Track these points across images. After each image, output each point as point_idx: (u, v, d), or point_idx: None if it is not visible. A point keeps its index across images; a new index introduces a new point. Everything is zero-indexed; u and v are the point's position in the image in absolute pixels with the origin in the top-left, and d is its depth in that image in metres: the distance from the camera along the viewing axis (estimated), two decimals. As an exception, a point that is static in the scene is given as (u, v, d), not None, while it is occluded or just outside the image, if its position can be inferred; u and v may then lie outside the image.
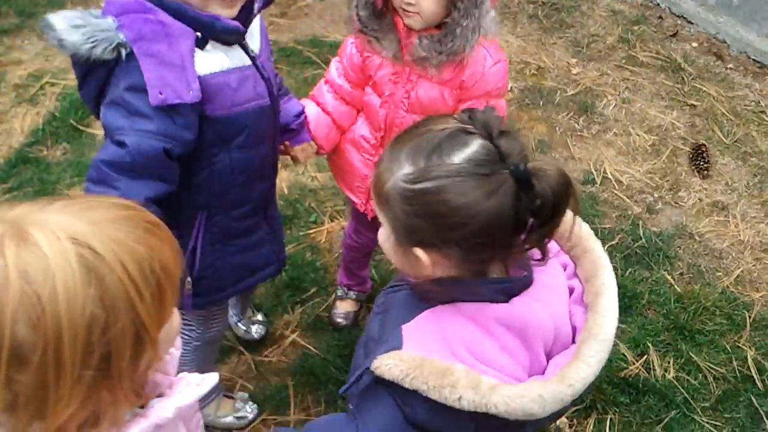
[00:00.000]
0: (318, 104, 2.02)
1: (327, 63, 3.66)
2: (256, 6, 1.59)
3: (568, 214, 1.11)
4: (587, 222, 2.87)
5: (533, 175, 1.02)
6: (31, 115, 3.17)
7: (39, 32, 3.67)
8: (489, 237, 1.05)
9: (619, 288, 2.84)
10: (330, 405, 2.28)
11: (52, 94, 3.28)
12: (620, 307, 2.84)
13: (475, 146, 1.04)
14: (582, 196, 3.11)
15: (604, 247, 3.06)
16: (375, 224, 1.49)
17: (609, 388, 2.43)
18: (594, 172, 3.26)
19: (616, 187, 3.21)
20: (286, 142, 1.94)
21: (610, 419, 2.35)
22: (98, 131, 3.13)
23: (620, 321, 2.64)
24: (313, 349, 2.42)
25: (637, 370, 2.50)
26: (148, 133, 1.45)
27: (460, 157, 1.03)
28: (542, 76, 3.82)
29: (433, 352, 1.06)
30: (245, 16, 1.56)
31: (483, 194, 1.02)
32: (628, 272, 2.82)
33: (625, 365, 2.51)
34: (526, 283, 1.13)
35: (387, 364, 1.05)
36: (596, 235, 2.73)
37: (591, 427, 2.32)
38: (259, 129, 1.65)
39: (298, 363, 2.37)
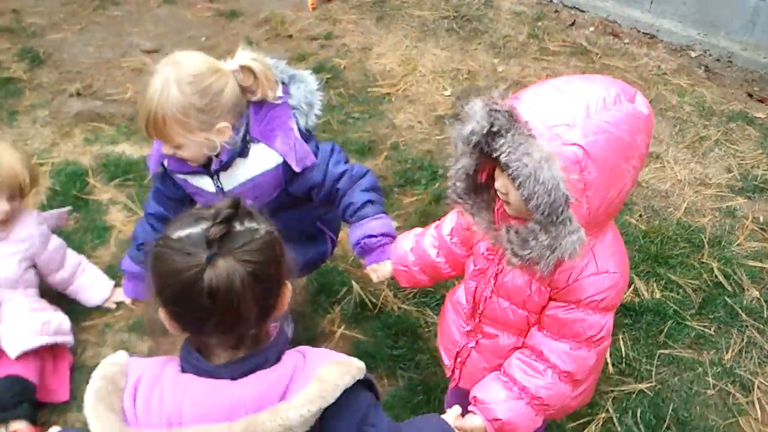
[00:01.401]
0: (415, 241, 2.00)
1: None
2: (214, 163, 2.02)
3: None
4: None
5: (210, 268, 1.16)
6: (31, 195, 3.34)
7: (7, 121, 3.84)
8: (181, 309, 1.23)
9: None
10: (391, 377, 2.59)
11: (45, 172, 3.46)
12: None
13: (195, 229, 1.20)
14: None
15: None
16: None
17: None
18: (544, 149, 3.72)
19: (566, 157, 3.67)
20: (362, 261, 2.11)
21: (621, 338, 2.76)
22: (101, 197, 3.35)
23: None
24: (362, 336, 2.73)
25: (630, 297, 2.93)
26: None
27: (176, 233, 1.21)
28: (474, 79, 4.28)
29: (131, 374, 1.30)
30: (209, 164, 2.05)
31: (180, 269, 1.18)
32: (597, 223, 3.27)
33: (619, 296, 2.94)
34: (209, 372, 1.25)
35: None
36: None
37: (609, 348, 2.72)
38: None
39: (353, 349, 2.68)
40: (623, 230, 3.23)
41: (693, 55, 4.51)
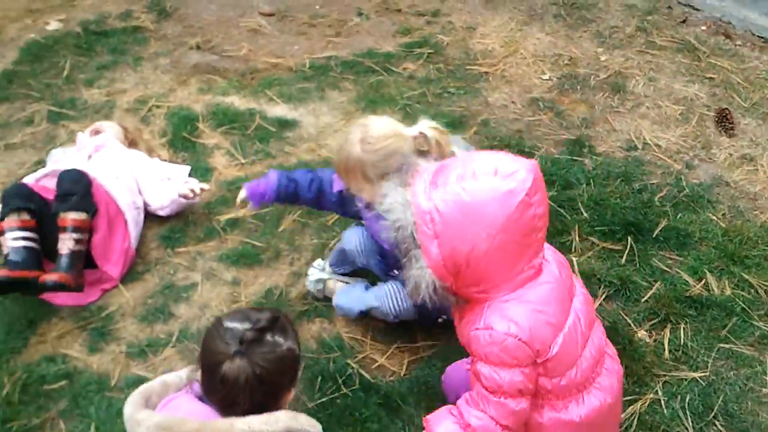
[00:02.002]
0: None
1: (385, 70, 4.18)
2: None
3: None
4: (637, 180, 3.42)
5: (230, 361, 1.58)
6: (146, 132, 3.67)
7: (132, 66, 4.19)
8: (204, 375, 1.65)
9: (672, 229, 3.32)
10: (427, 338, 2.75)
11: (160, 114, 3.78)
12: (676, 244, 3.30)
13: (239, 326, 1.62)
14: (629, 160, 3.59)
15: (654, 199, 3.50)
16: None
17: (678, 304, 2.88)
18: (635, 140, 3.74)
19: (656, 150, 3.68)
20: None
21: (683, 328, 2.80)
22: (207, 141, 3.63)
23: (678, 255, 3.10)
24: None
25: (698, 291, 2.95)
26: None
27: (227, 323, 1.64)
28: (575, 65, 4.32)
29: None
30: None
31: (214, 351, 1.61)
32: (678, 217, 3.28)
33: (687, 288, 2.96)
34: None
35: None
36: (646, 189, 3.35)
37: (668, 335, 2.77)
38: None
39: (418, 305, 2.84)
40: (703, 226, 3.24)
41: (807, 62, 4.38)
